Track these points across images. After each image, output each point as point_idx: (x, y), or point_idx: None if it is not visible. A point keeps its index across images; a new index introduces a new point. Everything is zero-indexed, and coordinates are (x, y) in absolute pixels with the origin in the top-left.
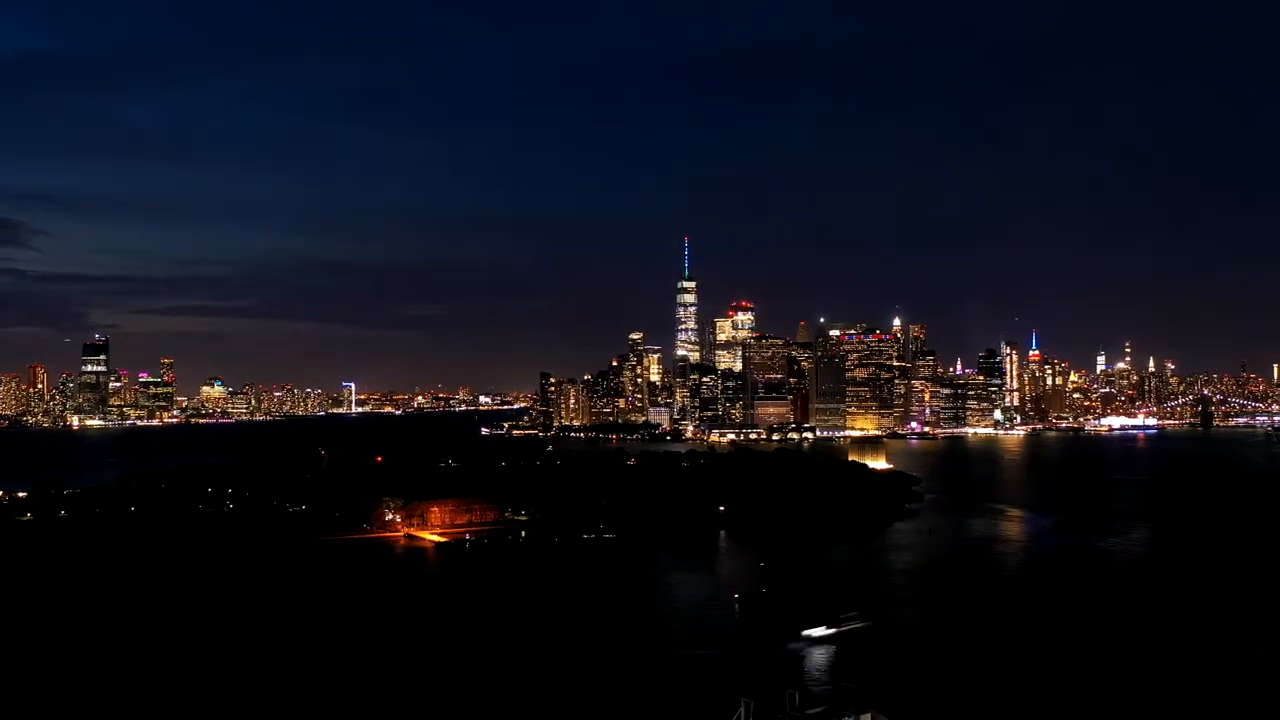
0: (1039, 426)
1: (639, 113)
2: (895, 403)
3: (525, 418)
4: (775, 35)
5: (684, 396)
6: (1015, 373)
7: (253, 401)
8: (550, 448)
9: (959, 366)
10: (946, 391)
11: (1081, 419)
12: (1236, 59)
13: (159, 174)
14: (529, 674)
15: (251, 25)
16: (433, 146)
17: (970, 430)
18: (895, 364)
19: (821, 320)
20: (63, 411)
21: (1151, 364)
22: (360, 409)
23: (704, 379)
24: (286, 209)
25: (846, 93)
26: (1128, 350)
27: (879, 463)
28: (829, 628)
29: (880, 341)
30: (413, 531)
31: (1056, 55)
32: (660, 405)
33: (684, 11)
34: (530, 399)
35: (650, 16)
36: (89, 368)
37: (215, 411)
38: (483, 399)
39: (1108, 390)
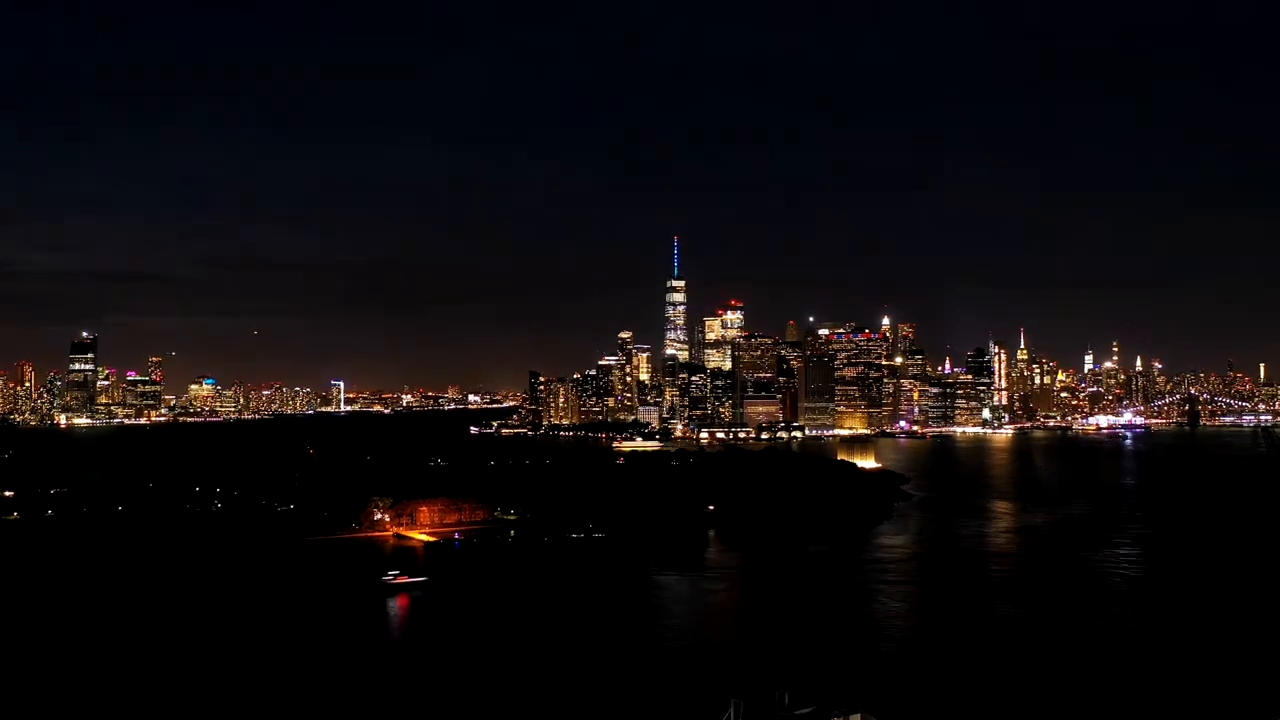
0: (1027, 426)
1: (632, 114)
2: (884, 402)
3: (515, 416)
4: (771, 44)
5: (673, 395)
6: (1003, 372)
7: (241, 400)
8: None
9: (947, 365)
10: (935, 390)
11: (1069, 418)
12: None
13: (151, 174)
14: (519, 674)
15: (250, 31)
16: (424, 145)
17: (959, 429)
18: (884, 363)
19: (811, 319)
20: (50, 410)
21: (1139, 363)
22: (349, 408)
23: (693, 378)
24: (276, 207)
25: (841, 96)
26: (1115, 350)
27: (868, 461)
28: None
29: (869, 340)
30: (401, 531)
31: (1041, 60)
32: (649, 404)
33: (680, 18)
34: (520, 398)
35: (645, 21)
36: (76, 366)
37: (204, 410)
38: (472, 398)
39: (1095, 389)
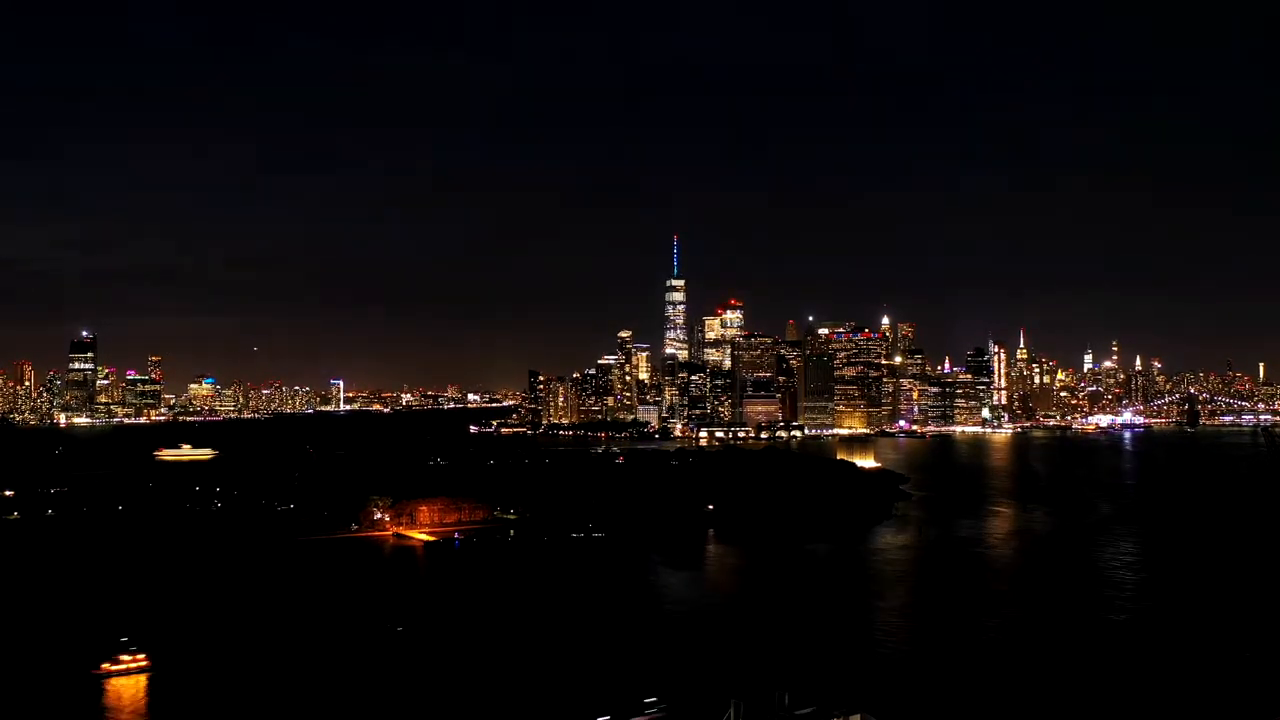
0: (1026, 425)
1: (631, 114)
2: (883, 401)
3: (514, 415)
4: (773, 45)
5: (673, 395)
6: (1003, 371)
7: (240, 399)
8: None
9: (947, 365)
10: (934, 390)
11: (1069, 417)
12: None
13: (151, 174)
14: (518, 674)
15: (254, 31)
16: (423, 143)
17: (958, 429)
18: (884, 363)
19: (810, 319)
20: (50, 409)
21: (1139, 363)
22: (348, 407)
23: (693, 377)
24: (276, 207)
25: (837, 99)
26: (1115, 350)
27: (867, 461)
28: None
29: (869, 340)
30: (401, 530)
31: (1041, 61)
32: (649, 403)
33: (683, 19)
34: (519, 397)
35: (647, 22)
36: (76, 365)
37: (203, 409)
38: (471, 397)
39: (1095, 389)
